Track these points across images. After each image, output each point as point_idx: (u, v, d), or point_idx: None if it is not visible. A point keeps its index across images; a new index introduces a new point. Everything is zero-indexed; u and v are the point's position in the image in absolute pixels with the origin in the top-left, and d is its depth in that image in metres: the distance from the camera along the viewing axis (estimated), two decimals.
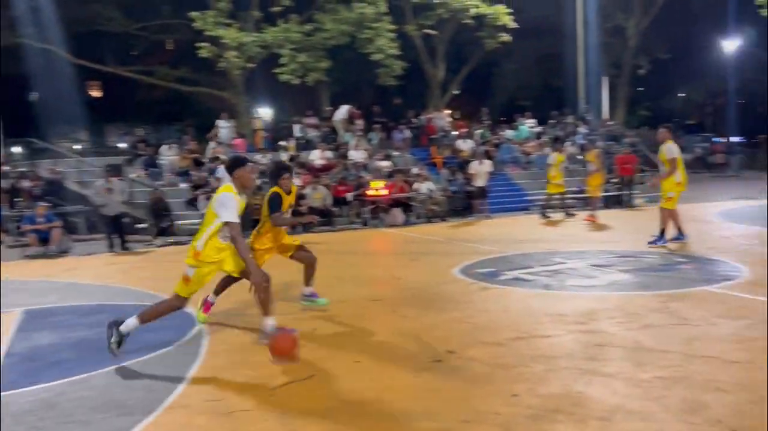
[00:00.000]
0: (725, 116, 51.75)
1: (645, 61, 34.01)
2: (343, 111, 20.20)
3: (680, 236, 10.04)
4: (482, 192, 16.35)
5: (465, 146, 19.67)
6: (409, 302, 6.92)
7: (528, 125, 22.74)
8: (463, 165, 17.74)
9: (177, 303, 5.24)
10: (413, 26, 24.95)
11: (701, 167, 30.83)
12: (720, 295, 6.64)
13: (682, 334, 5.26)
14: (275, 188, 6.29)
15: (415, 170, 17.25)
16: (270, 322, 5.36)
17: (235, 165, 5.29)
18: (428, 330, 5.72)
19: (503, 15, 23.88)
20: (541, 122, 23.82)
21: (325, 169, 17.05)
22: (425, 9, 24.64)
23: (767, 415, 3.58)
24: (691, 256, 9.18)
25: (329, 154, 18.20)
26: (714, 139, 43.54)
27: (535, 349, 5.06)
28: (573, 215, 15.52)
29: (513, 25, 24.28)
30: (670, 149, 9.85)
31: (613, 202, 17.69)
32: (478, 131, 22.13)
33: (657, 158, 10.82)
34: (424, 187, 16.20)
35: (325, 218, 14.78)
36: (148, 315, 5.21)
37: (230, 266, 5.29)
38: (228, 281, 6.16)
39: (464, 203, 16.87)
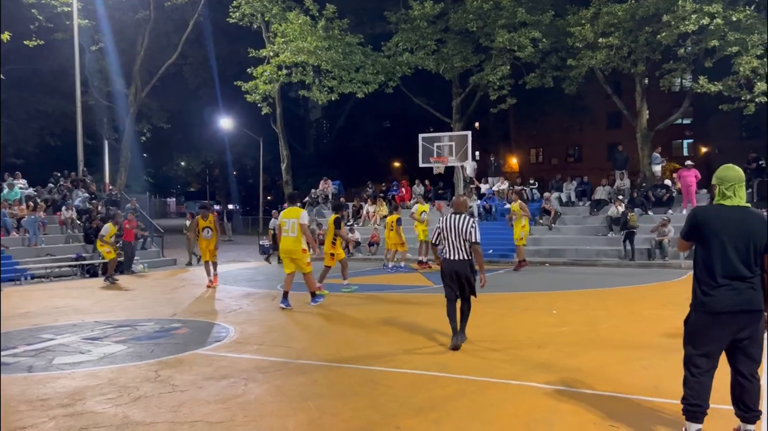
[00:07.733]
0: (224, 186, 57.01)
1: (146, 129, 34.86)
2: None
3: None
4: None
5: None
6: None
7: (19, 185, 20.54)
8: None
9: None
10: None
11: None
12: (208, 357, 7.01)
13: (171, 402, 5.32)
14: None
15: None
16: None
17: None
18: None
19: None
20: (35, 183, 21.92)
21: None
22: None
23: None
24: (186, 320, 9.54)
25: None
26: (215, 206, 47.44)
27: None
28: (116, 280, 15.30)
29: None
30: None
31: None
32: None
33: None
34: None
35: None
36: None
37: None
38: None
39: None
